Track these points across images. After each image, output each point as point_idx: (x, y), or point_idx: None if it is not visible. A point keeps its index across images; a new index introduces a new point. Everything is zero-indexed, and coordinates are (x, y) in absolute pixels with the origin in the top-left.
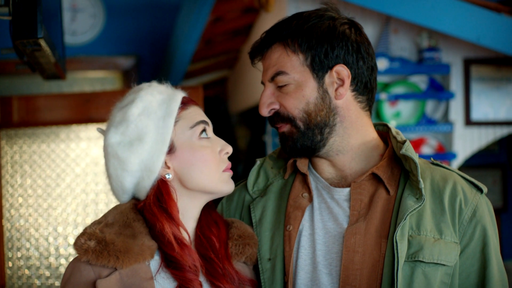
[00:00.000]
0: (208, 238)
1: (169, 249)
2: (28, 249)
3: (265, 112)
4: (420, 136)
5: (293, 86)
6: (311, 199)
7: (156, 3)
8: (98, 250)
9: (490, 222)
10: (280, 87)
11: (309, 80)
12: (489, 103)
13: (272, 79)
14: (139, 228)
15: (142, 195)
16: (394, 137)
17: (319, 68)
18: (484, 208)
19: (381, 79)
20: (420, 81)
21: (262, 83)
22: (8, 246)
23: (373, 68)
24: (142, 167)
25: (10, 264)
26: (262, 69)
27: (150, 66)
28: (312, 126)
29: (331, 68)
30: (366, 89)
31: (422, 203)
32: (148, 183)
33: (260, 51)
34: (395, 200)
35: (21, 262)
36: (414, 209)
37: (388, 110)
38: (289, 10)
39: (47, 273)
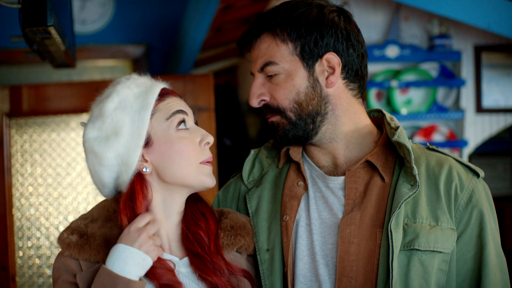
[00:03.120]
0: (195, 233)
1: None
2: (38, 239)
3: (254, 103)
4: (431, 123)
5: (283, 76)
6: (306, 188)
7: None
8: (80, 244)
9: (487, 207)
10: (270, 77)
11: (299, 69)
12: (500, 90)
13: (262, 69)
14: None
15: (124, 189)
16: (388, 124)
17: (309, 57)
18: (481, 193)
19: (392, 66)
20: (431, 68)
21: (252, 74)
22: (18, 235)
23: (363, 56)
24: (119, 161)
25: (21, 253)
26: (251, 59)
27: (159, 54)
28: (304, 116)
29: (321, 56)
30: (357, 76)
31: (416, 190)
32: (126, 177)
33: (248, 41)
34: (390, 188)
35: (32, 252)
36: (409, 197)
37: (399, 98)
38: None
39: None
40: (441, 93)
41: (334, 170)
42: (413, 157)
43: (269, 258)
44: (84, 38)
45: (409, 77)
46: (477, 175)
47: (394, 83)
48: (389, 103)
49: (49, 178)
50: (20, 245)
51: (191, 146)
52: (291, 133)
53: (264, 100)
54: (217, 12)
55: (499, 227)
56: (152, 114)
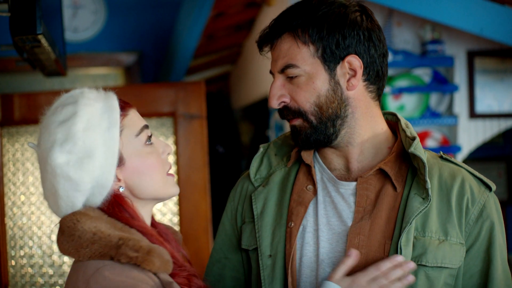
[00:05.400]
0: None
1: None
2: (31, 247)
3: (275, 104)
4: (425, 129)
5: (304, 78)
6: (315, 192)
7: None
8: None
9: (497, 221)
10: (290, 78)
11: (321, 72)
12: (493, 95)
13: (282, 71)
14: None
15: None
16: (404, 131)
17: (330, 60)
18: (492, 207)
19: None
20: (424, 74)
21: (271, 73)
22: (11, 244)
23: (385, 55)
24: (94, 184)
25: (13, 262)
26: (271, 58)
27: (152, 62)
28: (324, 120)
29: (342, 58)
30: (377, 78)
31: (428, 204)
32: (99, 199)
33: (269, 40)
34: (401, 198)
35: (24, 261)
36: (420, 212)
37: (392, 103)
38: (291, 4)
39: (50, 271)
40: (434, 98)
41: (346, 174)
42: (427, 170)
43: (271, 264)
44: (76, 46)
45: (402, 82)
46: (489, 188)
47: (387, 89)
48: (382, 109)
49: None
50: (13, 254)
51: (158, 159)
52: (313, 137)
53: (284, 102)
54: (209, 19)
55: None
56: (120, 131)
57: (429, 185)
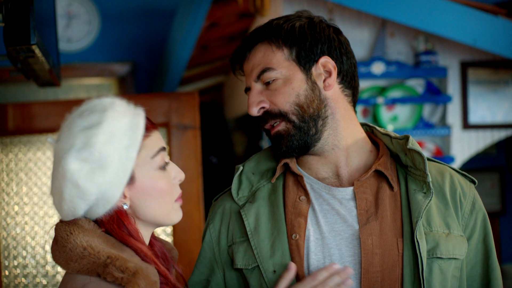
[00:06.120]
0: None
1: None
2: (24, 258)
3: (254, 111)
4: (418, 140)
5: (281, 81)
6: (309, 202)
7: (151, 9)
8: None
9: (485, 212)
10: (267, 85)
11: (297, 73)
12: (486, 106)
13: (258, 77)
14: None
15: (92, 217)
16: (386, 134)
17: (305, 61)
18: (480, 200)
19: (378, 83)
20: (417, 84)
21: (246, 90)
22: (4, 254)
23: (355, 66)
24: (100, 196)
25: (7, 272)
26: (245, 73)
27: (145, 72)
28: (306, 119)
29: (316, 60)
30: (352, 82)
31: (431, 198)
32: (102, 211)
33: (242, 55)
34: (400, 197)
35: (18, 271)
36: (427, 205)
37: (385, 114)
38: (285, 14)
39: (44, 282)
40: (427, 109)
41: (336, 181)
42: (427, 164)
43: (277, 280)
44: (70, 56)
45: (395, 93)
46: (474, 182)
47: (380, 100)
48: (375, 119)
49: (35, 197)
50: (6, 264)
51: (168, 185)
52: (296, 139)
53: (263, 108)
54: (203, 30)
55: None
56: (138, 151)
57: (429, 178)
